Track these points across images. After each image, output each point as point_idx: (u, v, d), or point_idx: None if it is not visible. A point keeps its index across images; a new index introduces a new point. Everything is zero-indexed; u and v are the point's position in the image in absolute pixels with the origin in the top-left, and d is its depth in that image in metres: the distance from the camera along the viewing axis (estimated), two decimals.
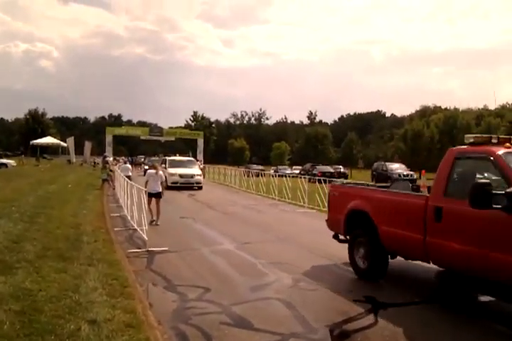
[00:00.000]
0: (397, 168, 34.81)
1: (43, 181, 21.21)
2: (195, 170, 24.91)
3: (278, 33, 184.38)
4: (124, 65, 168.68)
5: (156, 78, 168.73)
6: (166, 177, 20.08)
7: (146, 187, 10.84)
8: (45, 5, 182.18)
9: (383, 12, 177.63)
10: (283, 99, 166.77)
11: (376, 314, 5.48)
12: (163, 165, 23.88)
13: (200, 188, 23.86)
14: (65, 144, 51.58)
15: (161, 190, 11.97)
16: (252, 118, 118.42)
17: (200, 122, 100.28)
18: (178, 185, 23.00)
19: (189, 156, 35.72)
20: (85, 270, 6.51)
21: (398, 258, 7.11)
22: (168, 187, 19.42)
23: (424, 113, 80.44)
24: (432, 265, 6.23)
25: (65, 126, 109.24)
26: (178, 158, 28.95)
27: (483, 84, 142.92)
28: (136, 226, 10.09)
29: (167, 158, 28.01)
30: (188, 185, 23.38)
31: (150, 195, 11.16)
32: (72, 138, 51.99)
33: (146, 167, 25.90)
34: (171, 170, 23.74)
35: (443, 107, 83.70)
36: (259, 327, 4.99)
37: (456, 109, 75.91)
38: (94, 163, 43.66)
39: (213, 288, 6.43)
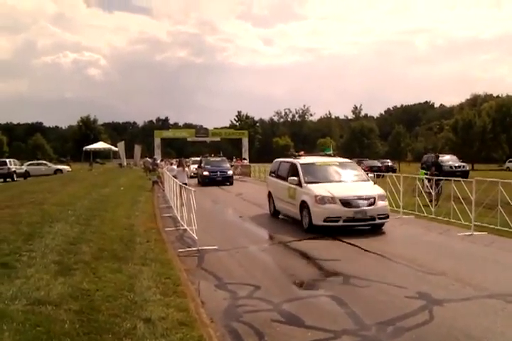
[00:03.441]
0: (449, 159, 33.59)
1: (96, 185, 21.93)
2: (368, 187, 11.28)
3: (317, 29, 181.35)
4: (168, 69, 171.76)
5: (199, 80, 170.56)
6: (306, 203, 10.67)
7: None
8: (90, 14, 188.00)
9: (424, 0, 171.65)
10: (326, 95, 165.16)
11: (431, 311, 5.31)
12: (293, 178, 11.52)
13: (379, 227, 10.68)
14: (116, 148, 53.18)
15: (186, 181, 15.40)
16: (296, 116, 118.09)
17: (244, 122, 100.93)
18: (341, 223, 10.25)
19: (332, 155, 15.11)
20: (139, 270, 6.68)
21: (455, 254, 6.84)
22: (311, 229, 10.42)
23: (475, 102, 77.44)
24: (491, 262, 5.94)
25: (116, 131, 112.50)
26: (317, 160, 12.75)
27: None
28: (185, 226, 10.28)
29: (297, 161, 12.28)
30: (365, 224, 10.50)
31: None
32: (123, 142, 53.51)
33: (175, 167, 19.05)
34: (319, 191, 10.61)
35: (494, 95, 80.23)
36: (310, 325, 4.96)
37: (508, 97, 72.35)
38: (144, 165, 44.79)
39: (263, 285, 6.46)
